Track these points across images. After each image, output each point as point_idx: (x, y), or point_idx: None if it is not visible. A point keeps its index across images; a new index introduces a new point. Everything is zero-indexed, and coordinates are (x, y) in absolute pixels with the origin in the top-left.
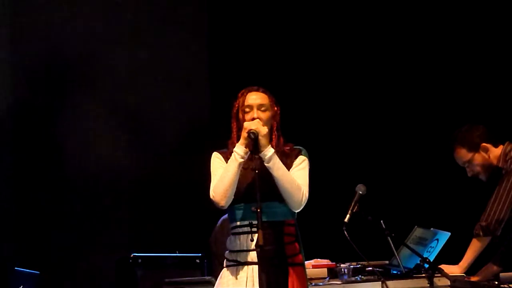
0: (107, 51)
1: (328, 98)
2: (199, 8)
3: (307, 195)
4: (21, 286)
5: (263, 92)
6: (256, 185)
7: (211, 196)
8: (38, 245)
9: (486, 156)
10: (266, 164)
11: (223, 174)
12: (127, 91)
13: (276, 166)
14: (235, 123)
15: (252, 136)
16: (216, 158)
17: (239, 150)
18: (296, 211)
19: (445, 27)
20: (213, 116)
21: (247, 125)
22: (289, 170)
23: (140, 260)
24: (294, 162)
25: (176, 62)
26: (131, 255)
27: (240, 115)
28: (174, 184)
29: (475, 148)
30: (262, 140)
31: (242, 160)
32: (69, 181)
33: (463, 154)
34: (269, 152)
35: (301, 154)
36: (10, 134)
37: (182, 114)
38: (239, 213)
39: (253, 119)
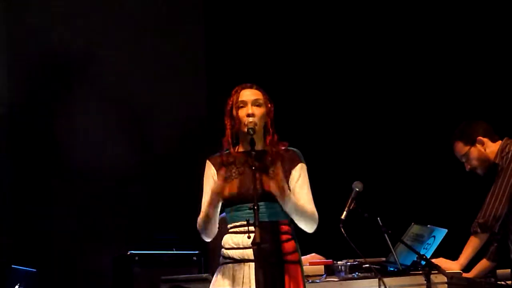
0: (106, 50)
1: (324, 95)
2: (197, 6)
3: (316, 213)
4: (18, 284)
5: (257, 88)
6: (253, 181)
7: (197, 226)
8: (35, 243)
9: (482, 150)
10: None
11: (203, 216)
12: (125, 89)
13: (294, 208)
14: (228, 120)
15: (251, 132)
16: (207, 170)
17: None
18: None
19: (444, 23)
20: (210, 113)
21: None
22: (287, 174)
23: (137, 258)
24: (294, 173)
25: (174, 60)
26: (128, 253)
27: (234, 112)
28: (171, 181)
29: (471, 142)
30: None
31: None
32: (67, 179)
33: (460, 148)
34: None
35: (301, 161)
36: (8, 131)
37: (180, 112)
38: (237, 214)
39: (248, 114)
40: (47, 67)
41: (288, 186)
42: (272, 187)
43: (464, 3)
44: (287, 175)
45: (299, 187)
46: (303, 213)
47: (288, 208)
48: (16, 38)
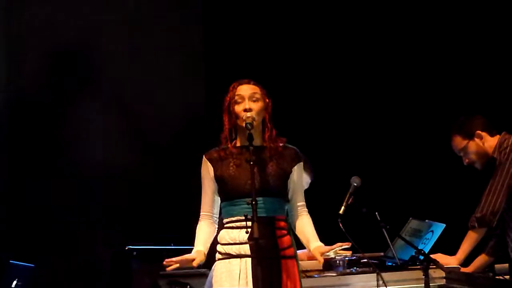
0: (104, 49)
1: (322, 91)
2: (195, 5)
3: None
4: (16, 279)
5: (254, 84)
6: (251, 176)
7: None
8: (33, 238)
9: (481, 144)
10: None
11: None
12: (124, 87)
13: None
14: (227, 116)
15: (249, 126)
16: (204, 168)
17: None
18: None
19: (442, 20)
20: (208, 110)
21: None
22: (286, 172)
23: (135, 253)
24: (295, 172)
25: (173, 58)
26: (126, 248)
27: (232, 107)
28: (170, 177)
29: (469, 136)
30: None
31: None
32: (65, 174)
33: (458, 142)
34: None
35: (300, 160)
36: (7, 127)
37: (178, 108)
38: (233, 209)
39: (245, 109)
40: (46, 66)
41: (287, 184)
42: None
43: (462, 1)
44: (288, 171)
45: (299, 186)
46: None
47: None
48: (16, 36)
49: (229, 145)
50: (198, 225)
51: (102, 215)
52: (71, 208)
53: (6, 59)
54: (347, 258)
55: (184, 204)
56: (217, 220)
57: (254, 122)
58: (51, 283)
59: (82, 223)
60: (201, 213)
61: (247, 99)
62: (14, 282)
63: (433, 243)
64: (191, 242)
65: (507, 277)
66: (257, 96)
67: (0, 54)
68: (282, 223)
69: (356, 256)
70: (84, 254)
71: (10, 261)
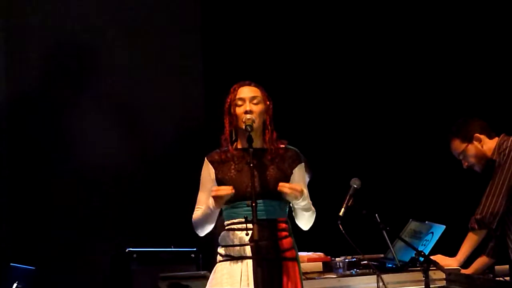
0: (104, 50)
1: (323, 93)
2: (193, 3)
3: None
4: (17, 282)
5: (255, 86)
6: (251, 178)
7: (193, 222)
8: (33, 241)
9: (480, 147)
10: (301, 204)
11: (201, 216)
12: (123, 88)
13: (306, 207)
14: (227, 118)
15: (249, 128)
16: (205, 169)
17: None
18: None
19: (441, 22)
20: (208, 111)
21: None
22: (286, 175)
23: (135, 255)
24: (296, 172)
25: (172, 59)
26: (126, 250)
27: (232, 110)
28: (169, 179)
29: (468, 139)
30: None
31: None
32: (65, 177)
33: (457, 145)
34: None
35: (301, 161)
36: (7, 128)
37: (178, 112)
38: (234, 211)
39: (246, 111)
40: (46, 67)
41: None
42: (286, 188)
43: (461, 2)
44: (288, 173)
45: (302, 186)
46: (310, 211)
47: (301, 207)
48: (16, 36)
49: (230, 148)
50: (196, 213)
51: (102, 217)
52: (71, 210)
53: (6, 59)
54: (347, 260)
55: (184, 205)
56: None
57: (254, 124)
58: (51, 285)
59: (82, 225)
60: (196, 207)
61: (248, 101)
62: (15, 285)
63: (433, 244)
64: (191, 244)
65: (507, 278)
66: (258, 98)
67: (0, 54)
68: (283, 225)
69: (356, 258)
70: (84, 257)
71: (11, 263)
